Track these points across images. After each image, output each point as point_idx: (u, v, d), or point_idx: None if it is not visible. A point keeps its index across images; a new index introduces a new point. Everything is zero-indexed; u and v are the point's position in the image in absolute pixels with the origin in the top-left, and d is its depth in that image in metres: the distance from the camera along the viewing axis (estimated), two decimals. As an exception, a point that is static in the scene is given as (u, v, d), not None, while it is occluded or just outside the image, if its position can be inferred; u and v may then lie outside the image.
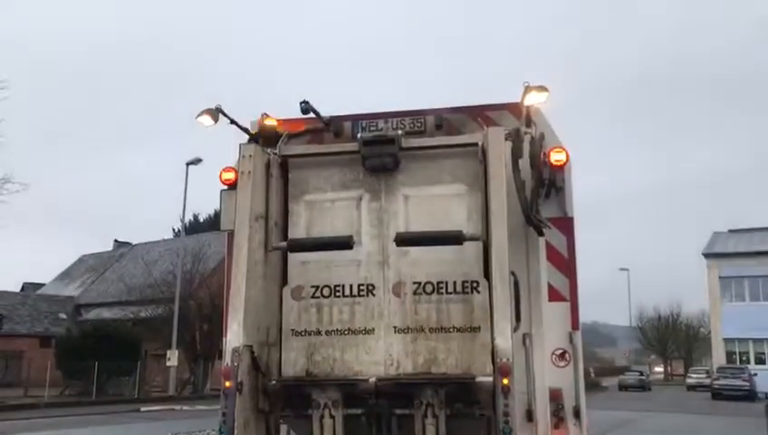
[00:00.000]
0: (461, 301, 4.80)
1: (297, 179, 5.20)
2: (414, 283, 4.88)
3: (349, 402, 4.63)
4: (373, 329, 4.87)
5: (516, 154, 4.78)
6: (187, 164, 36.09)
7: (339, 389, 4.63)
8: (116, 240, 60.31)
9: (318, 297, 4.98)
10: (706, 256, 45.95)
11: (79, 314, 48.47)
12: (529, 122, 5.10)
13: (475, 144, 4.92)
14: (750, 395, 35.82)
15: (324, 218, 5.12)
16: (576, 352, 5.11)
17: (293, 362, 4.91)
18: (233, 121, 5.27)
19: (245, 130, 5.36)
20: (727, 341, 44.55)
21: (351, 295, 4.94)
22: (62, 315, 47.41)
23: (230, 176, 5.48)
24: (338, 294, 4.96)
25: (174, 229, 69.72)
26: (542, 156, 4.96)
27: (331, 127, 5.49)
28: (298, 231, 5.11)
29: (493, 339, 4.46)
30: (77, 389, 33.97)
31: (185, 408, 29.33)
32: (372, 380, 4.59)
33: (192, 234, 49.19)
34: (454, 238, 4.70)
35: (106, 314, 43.93)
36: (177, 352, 34.31)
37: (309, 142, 5.51)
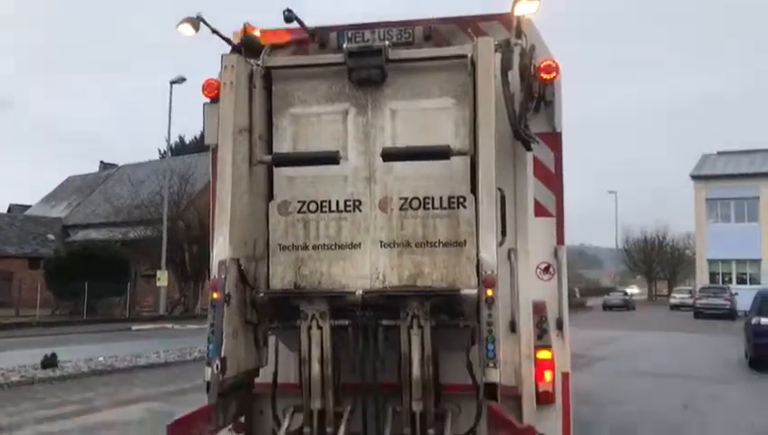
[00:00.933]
0: (447, 216, 4.78)
1: (281, 92, 5.08)
2: (400, 198, 4.84)
3: (336, 314, 4.66)
4: (360, 244, 4.86)
5: (506, 66, 4.67)
6: (171, 83, 35.44)
7: (326, 301, 4.65)
8: (102, 162, 59.93)
9: (304, 212, 4.95)
10: (694, 177, 46.29)
11: (66, 235, 48.54)
12: (519, 34, 4.96)
13: (465, 56, 4.79)
14: (731, 314, 36.74)
15: (310, 133, 5.02)
16: (560, 266, 5.15)
17: (281, 275, 4.92)
18: (214, 31, 5.09)
19: (227, 41, 5.20)
20: (711, 262, 45.41)
21: (338, 211, 4.91)
22: (51, 236, 47.46)
23: (213, 89, 5.36)
24: (324, 209, 4.93)
25: (160, 151, 69.18)
26: (531, 69, 4.86)
27: (316, 38, 5.33)
28: (283, 145, 5.03)
29: (478, 252, 4.48)
30: (68, 309, 34.38)
31: (176, 327, 29.84)
32: (359, 292, 4.62)
33: (178, 155, 48.81)
34: (441, 153, 4.64)
35: (94, 234, 43.99)
36: (166, 272, 34.59)
37: (293, 54, 5.36)
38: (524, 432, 4.08)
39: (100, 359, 16.20)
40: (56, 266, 34.97)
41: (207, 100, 5.40)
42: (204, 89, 5.38)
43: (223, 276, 4.39)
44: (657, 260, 73.49)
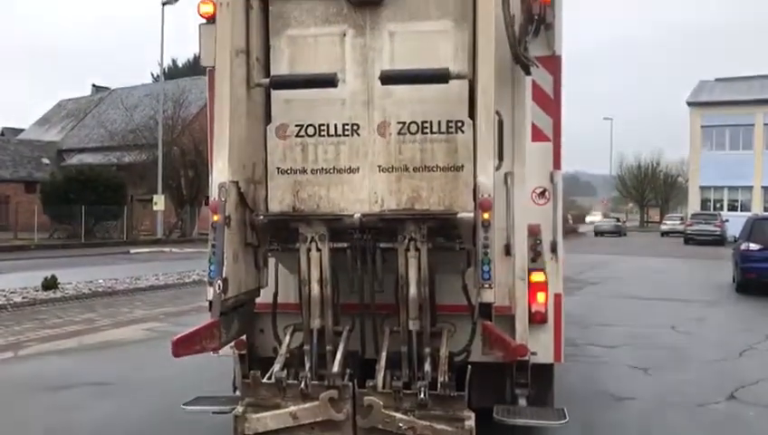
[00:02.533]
0: (445, 140, 4.79)
1: (278, 12, 5.00)
2: (398, 122, 4.83)
3: (334, 237, 4.74)
4: (358, 168, 4.88)
5: (505, -13, 4.61)
6: (163, 4, 34.62)
7: (325, 223, 4.72)
8: (94, 85, 59.06)
9: (302, 136, 4.95)
10: (691, 104, 46.01)
11: (62, 159, 48.36)
12: (519, -47, 4.87)
13: None
14: (720, 240, 37.27)
15: (307, 55, 4.97)
16: (556, 190, 5.21)
17: (280, 198, 4.96)
18: (213, -51, 4.99)
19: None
20: (703, 188, 45.66)
21: (336, 135, 4.91)
22: (45, 160, 47.30)
23: (209, 9, 5.26)
24: (322, 133, 4.93)
25: (152, 74, 68.22)
26: (532, -10, 4.80)
27: (314, -43, 5.21)
28: (280, 68, 4.98)
29: (475, 176, 4.53)
30: (65, 233, 34.63)
31: (174, 250, 30.20)
32: (357, 215, 4.69)
33: (171, 79, 48.13)
34: (440, 76, 4.61)
35: (89, 159, 43.85)
36: (163, 196, 34.68)
37: (291, -26, 5.25)
38: (517, 350, 4.24)
39: (101, 281, 16.47)
40: (53, 190, 35.01)
41: (203, 20, 5.33)
42: (199, 9, 5.30)
43: (223, 199, 4.44)
44: (650, 187, 73.88)
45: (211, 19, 5.24)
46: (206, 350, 4.54)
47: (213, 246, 4.41)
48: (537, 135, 5.19)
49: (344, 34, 4.93)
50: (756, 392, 7.37)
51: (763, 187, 43.26)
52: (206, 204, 34.67)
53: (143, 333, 10.84)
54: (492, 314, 4.20)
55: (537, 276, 5.10)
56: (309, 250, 4.76)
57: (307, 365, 4.79)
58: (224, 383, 5.82)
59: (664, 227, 51.11)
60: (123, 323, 11.87)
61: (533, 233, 5.12)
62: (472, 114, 4.75)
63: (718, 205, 44.96)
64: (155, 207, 34.40)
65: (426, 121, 4.81)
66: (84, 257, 25.28)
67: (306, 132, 4.96)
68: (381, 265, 4.75)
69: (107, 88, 57.10)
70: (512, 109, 5.03)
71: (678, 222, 48.71)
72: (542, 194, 5.21)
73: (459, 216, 4.56)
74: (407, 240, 4.63)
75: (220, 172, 4.54)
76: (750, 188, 43.88)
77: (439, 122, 4.80)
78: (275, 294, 5.13)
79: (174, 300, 14.74)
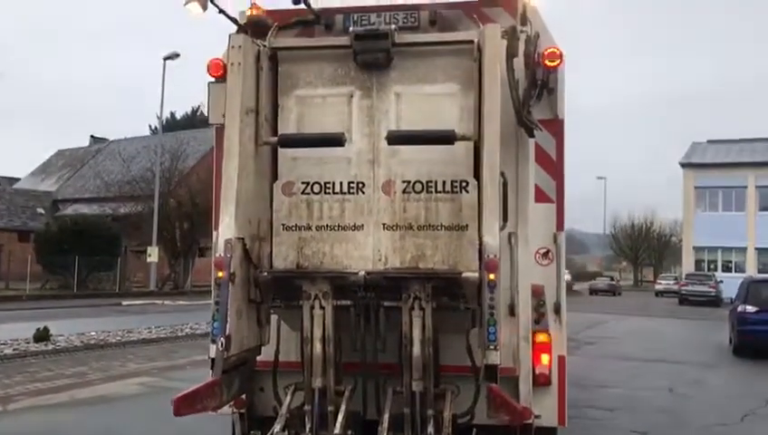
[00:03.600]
0: (449, 200, 4.83)
1: (287, 73, 5.10)
2: (403, 181, 4.89)
3: (338, 294, 4.73)
4: (362, 225, 4.91)
5: (511, 53, 4.71)
6: (165, 59, 35.22)
7: (329, 281, 4.72)
8: (92, 136, 59.55)
9: (308, 193, 4.99)
10: (684, 165, 46.53)
11: (56, 209, 48.35)
12: (524, 20, 5.00)
13: (471, 41, 4.83)
14: (715, 301, 37.17)
15: (315, 114, 5.05)
16: (559, 251, 5.23)
17: (284, 255, 4.96)
18: (221, 11, 5.10)
19: (234, 21, 5.21)
20: (698, 249, 45.80)
21: (341, 192, 4.95)
22: (40, 210, 47.25)
23: (218, 68, 5.38)
24: (328, 190, 4.97)
25: (150, 126, 68.77)
26: (536, 56, 4.91)
27: (322, 20, 5.34)
28: (288, 126, 5.06)
29: (481, 236, 4.56)
30: (57, 283, 34.34)
31: (166, 302, 29.92)
32: (362, 273, 4.68)
33: (169, 131, 48.57)
34: (446, 138, 4.69)
35: (84, 209, 43.83)
36: (157, 248, 34.57)
37: (298, 35, 5.37)
38: (523, 413, 4.18)
39: (92, 333, 16.27)
40: (46, 240, 34.87)
41: (212, 79, 5.42)
42: (209, 68, 5.39)
43: (228, 255, 4.44)
44: (644, 247, 74.08)
45: (220, 78, 5.34)
46: (207, 409, 4.48)
47: (217, 302, 4.39)
48: (540, 196, 5.23)
49: (351, 95, 5.02)
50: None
51: (756, 248, 43.45)
52: (201, 256, 34.65)
53: (135, 388, 10.66)
54: (497, 377, 4.17)
55: (541, 337, 5.07)
56: (312, 308, 4.74)
57: (308, 426, 4.71)
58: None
59: (658, 287, 51.02)
60: (115, 377, 11.68)
61: (537, 294, 5.12)
62: (477, 175, 4.81)
63: (712, 265, 45.05)
64: (149, 259, 34.24)
65: (431, 181, 4.86)
66: (76, 308, 25.00)
67: (312, 190, 5.00)
68: (385, 324, 4.72)
69: (105, 139, 57.55)
70: (516, 170, 5.09)
71: (673, 282, 48.66)
72: (546, 255, 5.23)
73: (464, 275, 4.57)
74: (411, 299, 4.62)
75: (226, 228, 4.55)
76: (744, 249, 44.07)
77: (444, 182, 4.85)
78: (276, 353, 5.08)
79: (167, 354, 14.55)
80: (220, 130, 5.57)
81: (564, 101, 5.25)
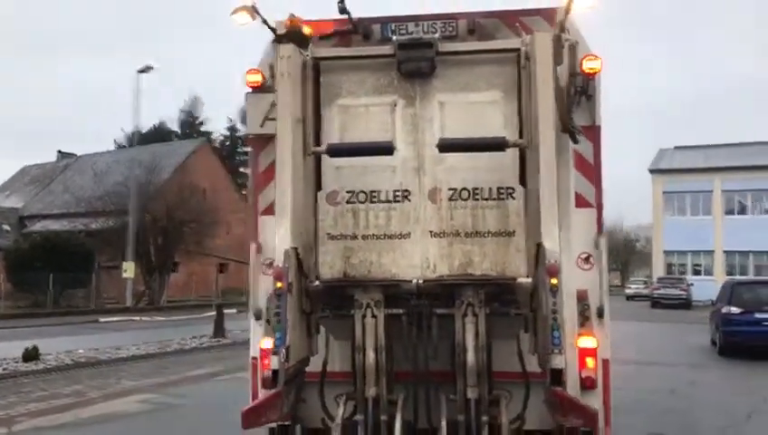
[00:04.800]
0: (496, 206, 4.88)
1: (329, 83, 5.10)
2: (450, 189, 4.91)
3: (389, 303, 4.73)
4: (409, 233, 4.92)
5: (557, 61, 4.78)
6: (139, 72, 34.89)
7: (381, 289, 4.72)
8: (60, 151, 58.43)
9: (353, 202, 4.99)
10: (652, 171, 47.39)
11: (23, 225, 47.34)
12: (563, 29, 5.08)
13: (513, 50, 4.90)
14: (686, 304, 37.88)
15: (358, 124, 5.06)
16: (600, 255, 5.28)
17: (330, 264, 4.95)
18: (264, 21, 5.09)
19: (273, 31, 5.19)
20: (667, 253, 46.62)
21: (387, 201, 4.96)
22: (6, 227, 46.22)
23: (256, 78, 5.34)
24: (374, 199, 4.97)
25: (115, 141, 67.85)
26: (577, 63, 4.99)
27: (360, 29, 5.36)
28: (331, 136, 5.05)
29: (528, 242, 4.62)
30: (29, 301, 33.54)
31: (143, 319, 29.47)
32: (415, 280, 4.69)
33: (135, 145, 47.99)
34: (497, 145, 4.73)
35: (53, 225, 43.01)
36: (132, 264, 34.02)
37: (335, 45, 5.38)
38: (594, 415, 4.22)
39: (81, 351, 15.96)
40: (17, 257, 34.09)
41: (249, 90, 5.40)
42: (246, 78, 5.37)
43: (287, 266, 4.42)
44: (613, 252, 75.13)
45: (257, 88, 5.33)
46: (270, 421, 4.46)
47: (277, 314, 4.36)
48: (580, 201, 5.29)
49: (395, 104, 5.04)
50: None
51: (724, 251, 44.39)
52: (174, 270, 34.32)
53: (138, 406, 10.47)
54: (562, 380, 4.20)
55: (586, 342, 5.12)
56: (364, 316, 4.73)
57: (360, 435, 4.69)
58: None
59: (629, 292, 51.68)
60: (114, 395, 11.47)
61: (581, 298, 5.16)
62: (522, 181, 4.86)
63: (682, 269, 45.90)
64: (124, 275, 33.67)
65: (477, 188, 4.90)
66: (53, 327, 24.41)
67: (357, 199, 5.00)
68: (437, 332, 4.73)
69: (73, 154, 56.54)
70: (558, 176, 5.14)
71: (643, 286, 49.38)
72: (587, 259, 5.28)
73: (519, 281, 4.61)
74: (464, 305, 4.65)
75: (283, 239, 4.53)
76: (711, 252, 45.00)
77: (490, 189, 4.90)
78: (324, 363, 5.05)
79: (159, 370, 14.34)
80: (257, 139, 5.59)
81: (601, 107, 5.34)
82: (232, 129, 71.43)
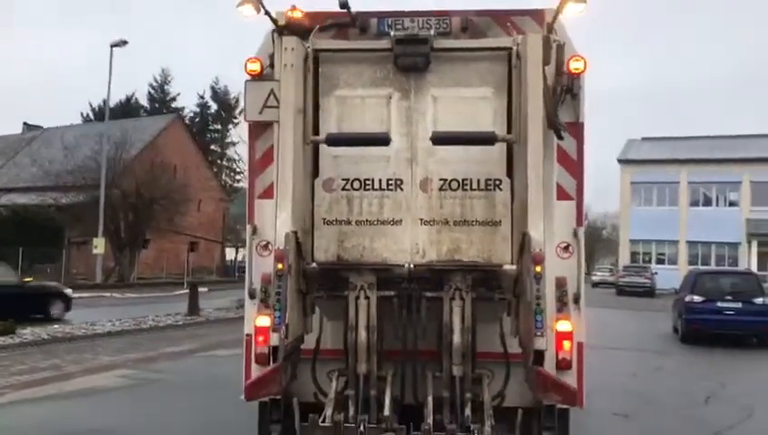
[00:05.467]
0: (484, 197, 5.16)
1: (328, 74, 5.31)
2: (440, 179, 5.18)
3: (381, 285, 5.01)
4: (401, 220, 5.18)
5: (545, 61, 5.06)
6: (112, 46, 34.50)
7: (374, 273, 4.99)
8: (25, 123, 57.43)
9: (348, 190, 5.23)
10: (621, 161, 48.22)
11: (-12, 198, 46.52)
12: (551, 29, 5.35)
13: (505, 48, 5.17)
14: (651, 292, 38.84)
15: (354, 115, 5.28)
16: (579, 245, 5.60)
17: (325, 248, 5.20)
18: (267, 13, 5.28)
19: (275, 22, 5.38)
20: (633, 242, 47.61)
21: (380, 189, 5.21)
22: (-29, 200, 45.34)
23: (255, 67, 5.52)
24: (368, 187, 5.22)
25: (83, 114, 66.87)
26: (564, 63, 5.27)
27: (358, 23, 5.57)
28: (329, 126, 5.27)
29: (512, 231, 4.94)
30: (-5, 275, 33.13)
31: (115, 295, 29.36)
32: (407, 265, 4.97)
33: (102, 120, 47.39)
34: (487, 139, 5.01)
35: (20, 199, 42.32)
36: (103, 240, 33.81)
37: (334, 37, 5.59)
38: (573, 393, 4.57)
39: (56, 326, 15.99)
40: (-17, 231, 33.60)
41: (249, 77, 5.58)
42: (246, 67, 5.55)
43: (287, 248, 4.66)
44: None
45: (257, 76, 5.53)
46: (271, 394, 4.71)
47: (278, 293, 4.60)
48: (562, 194, 5.59)
49: (390, 97, 5.28)
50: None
51: (687, 241, 45.50)
52: (145, 247, 34.30)
53: (120, 380, 10.64)
54: (544, 361, 4.53)
55: (563, 325, 5.43)
56: (357, 298, 5.00)
57: (351, 409, 4.98)
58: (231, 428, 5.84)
59: (595, 278, 52.48)
60: (93, 369, 11.60)
61: (560, 285, 5.46)
62: (509, 173, 5.16)
63: (647, 258, 46.94)
64: (95, 251, 33.43)
65: (466, 179, 5.18)
66: (23, 301, 24.28)
67: (352, 186, 5.24)
68: (426, 314, 5.03)
69: (39, 127, 55.62)
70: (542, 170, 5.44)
71: (608, 273, 50.29)
72: (567, 248, 5.60)
73: (504, 268, 4.92)
74: (452, 289, 4.95)
75: (284, 223, 4.76)
76: (676, 242, 46.08)
77: (479, 180, 5.18)
78: (318, 341, 5.32)
79: (135, 346, 14.47)
80: (254, 126, 5.78)
81: (585, 105, 5.63)
82: (203, 105, 70.90)
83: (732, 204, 45.64)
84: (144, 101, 69.64)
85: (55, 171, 40.51)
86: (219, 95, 70.69)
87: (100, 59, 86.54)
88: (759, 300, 16.90)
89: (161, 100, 70.32)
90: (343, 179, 5.25)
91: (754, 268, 36.21)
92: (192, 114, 69.52)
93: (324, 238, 5.23)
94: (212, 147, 69.82)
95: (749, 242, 42.63)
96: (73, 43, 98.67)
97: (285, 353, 4.69)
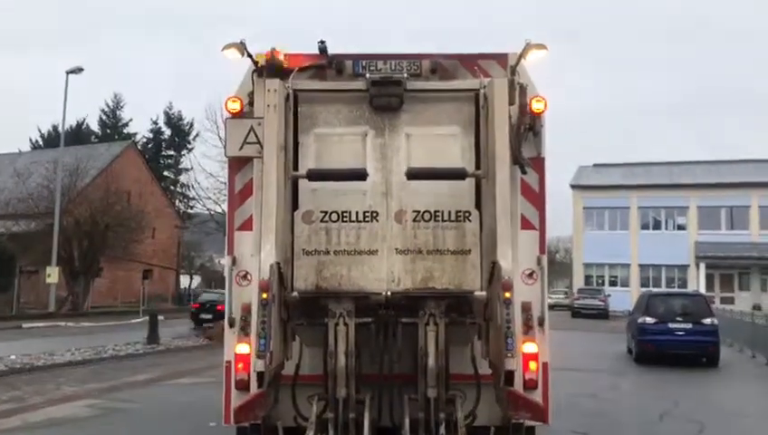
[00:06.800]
0: (455, 228, 5.50)
1: (307, 113, 5.61)
2: (413, 211, 5.51)
3: (360, 313, 5.30)
4: (377, 250, 5.48)
5: (510, 102, 5.46)
6: (68, 73, 34.24)
7: (353, 300, 5.27)
8: (-31, 150, 55.96)
9: (327, 221, 5.51)
10: (573, 187, 49.39)
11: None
12: (513, 72, 5.78)
13: (472, 90, 5.55)
14: (605, 314, 39.73)
15: (332, 151, 5.59)
16: (542, 272, 5.99)
17: (304, 277, 5.46)
18: (250, 56, 5.59)
19: (255, 63, 5.70)
20: (587, 265, 48.66)
21: (357, 221, 5.51)
22: None
23: (236, 106, 5.81)
24: (345, 219, 5.51)
25: (32, 140, 65.63)
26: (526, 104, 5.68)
27: (334, 64, 5.90)
28: (308, 162, 5.56)
29: (482, 260, 5.29)
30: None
31: (69, 324, 28.84)
32: (384, 292, 5.26)
33: (51, 147, 46.56)
34: (458, 174, 5.37)
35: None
36: (57, 268, 33.21)
37: (311, 77, 5.91)
38: (542, 410, 4.90)
39: (13, 357, 15.74)
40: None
41: (229, 115, 5.86)
42: (226, 105, 5.84)
43: (272, 278, 4.91)
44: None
45: (237, 114, 5.82)
46: (257, 418, 4.93)
47: (263, 322, 4.83)
48: (526, 224, 5.98)
49: (366, 134, 5.62)
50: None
51: (639, 264, 46.74)
52: (99, 275, 34.03)
53: (87, 410, 10.59)
54: (513, 381, 4.86)
55: (529, 347, 5.79)
56: (336, 325, 5.28)
57: (331, 432, 5.22)
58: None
59: (550, 301, 52.39)
60: (57, 400, 11.50)
61: (525, 309, 5.83)
62: (478, 205, 5.52)
63: (600, 280, 48.01)
64: (48, 280, 32.79)
65: (438, 211, 5.53)
66: (-26, 332, 23.73)
67: (330, 218, 5.54)
68: (401, 339, 5.33)
69: (-15, 153, 54.33)
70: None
71: (563, 296, 51.26)
72: (531, 275, 5.97)
73: (475, 294, 5.26)
74: (427, 315, 5.27)
75: (268, 254, 5.02)
76: (628, 265, 47.29)
77: (449, 212, 5.53)
78: (297, 366, 5.56)
79: (97, 376, 14.35)
80: (234, 161, 6.05)
81: (546, 141, 6.05)
82: (156, 131, 70.23)
83: (680, 227, 47.12)
84: (95, 127, 68.77)
85: (5, 199, 39.71)
86: (173, 120, 70.18)
87: (45, 85, 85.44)
88: (707, 321, 17.60)
89: (113, 125, 69.51)
90: (322, 212, 5.54)
91: (702, 290, 37.46)
92: (145, 140, 68.81)
93: (304, 268, 5.50)
94: (165, 173, 69.04)
95: (697, 264, 44.03)
96: (14, 68, 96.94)
97: (270, 379, 4.92)
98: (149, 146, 68.72)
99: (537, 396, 5.82)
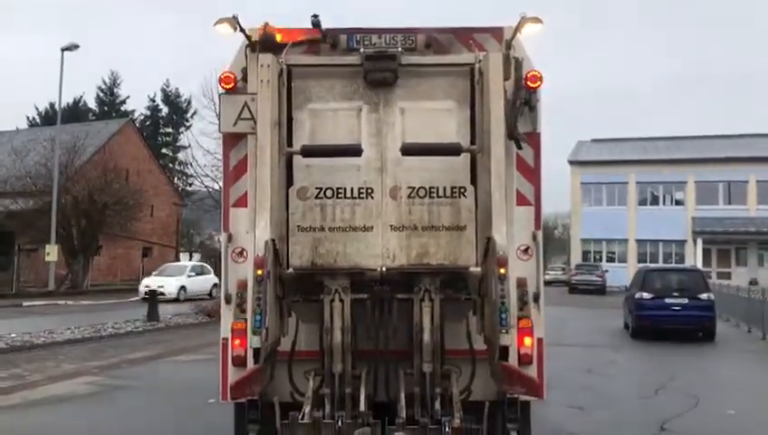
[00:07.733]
0: (450, 204, 5.48)
1: (301, 88, 5.57)
2: (408, 187, 5.48)
3: (355, 289, 5.30)
4: (372, 227, 5.46)
5: (505, 76, 5.42)
6: (63, 50, 33.96)
7: (349, 276, 5.27)
8: (-34, 127, 55.77)
9: (321, 198, 5.49)
10: (572, 163, 49.36)
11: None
12: (509, 46, 5.72)
13: (468, 64, 5.50)
14: (602, 289, 39.98)
15: (327, 127, 5.55)
16: (538, 247, 5.99)
17: (300, 254, 5.44)
18: (242, 30, 5.53)
19: (248, 38, 5.64)
20: (584, 241, 48.79)
21: (352, 197, 5.48)
22: None
23: (229, 81, 5.77)
24: (340, 195, 5.49)
25: (29, 118, 65.44)
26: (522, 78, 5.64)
27: (328, 39, 5.84)
28: (302, 137, 5.52)
29: (477, 235, 5.28)
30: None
31: (69, 302, 28.96)
32: (380, 269, 5.26)
33: (48, 124, 46.34)
34: (453, 150, 5.34)
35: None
36: (56, 247, 33.23)
37: (305, 52, 5.85)
38: (537, 385, 4.93)
39: (13, 335, 15.81)
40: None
41: (223, 91, 5.82)
42: (221, 81, 5.78)
43: (267, 255, 4.91)
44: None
45: (231, 90, 5.76)
46: (254, 393, 4.95)
47: (258, 298, 4.83)
48: (521, 200, 5.96)
49: (360, 109, 5.57)
50: (681, 425, 8.42)
51: (636, 240, 46.86)
52: (98, 253, 34.07)
53: (87, 388, 10.67)
54: (509, 356, 4.88)
55: (525, 323, 5.79)
56: (332, 301, 5.28)
57: (327, 407, 5.25)
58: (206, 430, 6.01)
59: (547, 277, 53.45)
60: (57, 377, 11.58)
61: (521, 285, 5.82)
62: (473, 181, 5.50)
63: (598, 256, 48.16)
64: (47, 258, 32.83)
65: (432, 187, 5.50)
66: (-26, 311, 23.83)
67: (325, 194, 5.51)
68: (396, 314, 5.34)
69: (-19, 130, 54.15)
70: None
71: (561, 272, 51.45)
72: (526, 251, 5.97)
73: (470, 270, 5.26)
74: (422, 291, 5.27)
75: (263, 231, 5.01)
76: (626, 241, 47.41)
77: (444, 188, 5.50)
78: (293, 342, 5.58)
79: (97, 354, 14.42)
80: (228, 137, 6.01)
81: (541, 116, 6.01)
82: (154, 108, 69.99)
83: (678, 203, 47.17)
84: (92, 104, 68.50)
85: (3, 177, 39.63)
86: (170, 98, 69.91)
87: (42, 61, 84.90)
88: (704, 296, 17.68)
89: (110, 103, 69.26)
90: (317, 188, 5.51)
91: (699, 265, 37.60)
92: (143, 117, 68.60)
93: (299, 245, 5.49)
94: (164, 150, 68.93)
95: (694, 240, 44.09)
96: (11, 45, 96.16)
97: (266, 355, 4.94)
98: (147, 123, 68.54)
99: (532, 371, 5.84)
